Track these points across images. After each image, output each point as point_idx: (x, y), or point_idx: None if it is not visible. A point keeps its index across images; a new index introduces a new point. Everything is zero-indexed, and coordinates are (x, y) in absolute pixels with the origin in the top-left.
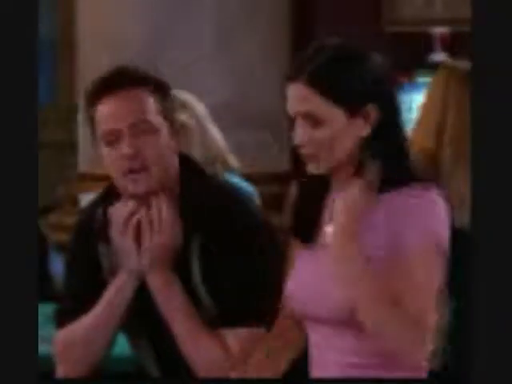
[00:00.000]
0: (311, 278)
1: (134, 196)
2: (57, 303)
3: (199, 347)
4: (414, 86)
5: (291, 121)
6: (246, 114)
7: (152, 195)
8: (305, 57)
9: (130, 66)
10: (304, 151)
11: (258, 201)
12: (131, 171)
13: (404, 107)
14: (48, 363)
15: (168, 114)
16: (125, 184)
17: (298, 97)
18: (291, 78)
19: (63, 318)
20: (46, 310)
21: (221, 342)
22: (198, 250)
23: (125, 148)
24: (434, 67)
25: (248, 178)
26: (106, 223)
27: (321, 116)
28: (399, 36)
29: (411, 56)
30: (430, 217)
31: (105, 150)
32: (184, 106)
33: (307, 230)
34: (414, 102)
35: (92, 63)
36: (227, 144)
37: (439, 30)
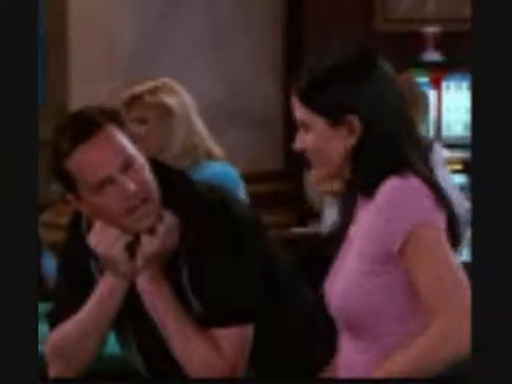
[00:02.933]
0: (331, 282)
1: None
2: (50, 303)
3: (191, 348)
4: None
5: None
6: (239, 113)
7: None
8: (304, 69)
9: (86, 110)
10: (307, 156)
11: (243, 192)
12: (136, 208)
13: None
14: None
15: (135, 139)
16: (129, 223)
17: (295, 107)
18: (292, 89)
19: (55, 320)
20: (39, 310)
21: (212, 342)
22: (185, 252)
23: (127, 184)
24: (426, 66)
25: (242, 176)
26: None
27: (308, 123)
28: (391, 35)
29: (403, 55)
30: (412, 205)
31: (95, 198)
32: (173, 91)
33: (341, 233)
34: None
35: (83, 62)
36: (221, 143)
37: (431, 29)
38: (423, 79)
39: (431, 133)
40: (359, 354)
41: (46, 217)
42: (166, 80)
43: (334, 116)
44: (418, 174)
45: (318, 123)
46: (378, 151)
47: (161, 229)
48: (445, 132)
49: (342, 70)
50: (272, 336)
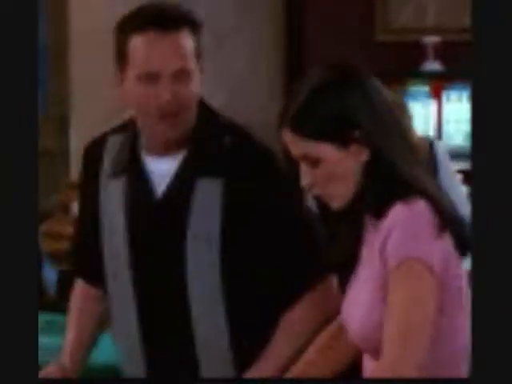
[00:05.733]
0: (349, 303)
1: (163, 143)
2: (51, 311)
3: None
4: (407, 95)
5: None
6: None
7: (176, 144)
8: (286, 102)
9: (174, 5)
10: (315, 192)
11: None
12: (169, 115)
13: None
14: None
15: (201, 53)
16: (158, 126)
17: (290, 142)
18: (280, 125)
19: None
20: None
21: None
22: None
23: (165, 93)
24: (426, 76)
25: None
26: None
27: (315, 156)
28: (392, 45)
29: (404, 65)
30: (409, 235)
31: (139, 87)
32: None
33: (352, 258)
34: None
35: (84, 75)
36: None
37: (431, 39)
38: (423, 89)
39: None
40: None
41: (45, 226)
42: None
43: (340, 136)
44: (423, 194)
45: (326, 150)
46: (390, 164)
47: None
48: (445, 142)
49: (328, 86)
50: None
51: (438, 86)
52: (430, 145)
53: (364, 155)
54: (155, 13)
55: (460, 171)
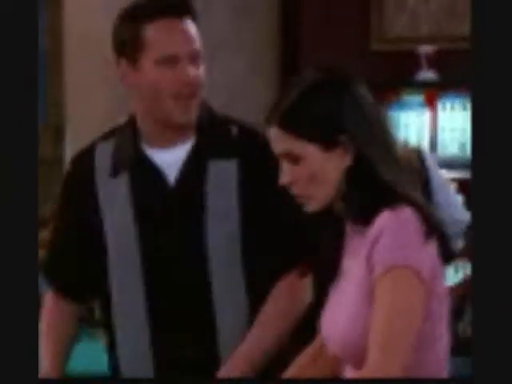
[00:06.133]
0: (330, 315)
1: (174, 130)
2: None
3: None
4: (401, 104)
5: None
6: None
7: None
8: (277, 99)
9: None
10: (293, 191)
11: None
12: (183, 97)
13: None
14: None
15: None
16: (173, 109)
17: (275, 139)
18: (268, 121)
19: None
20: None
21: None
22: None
23: (184, 74)
24: (420, 85)
25: None
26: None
27: (298, 154)
28: (386, 54)
29: (398, 74)
30: (397, 242)
31: (157, 71)
32: None
33: (331, 268)
34: (400, 120)
35: (79, 84)
36: None
37: (425, 49)
38: (418, 98)
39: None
40: None
41: (42, 235)
42: None
43: (326, 138)
44: (409, 202)
45: (310, 150)
46: (373, 172)
47: None
48: (440, 152)
49: (320, 88)
50: None
51: (433, 94)
52: (419, 155)
53: (347, 160)
54: (166, 2)
55: (455, 180)
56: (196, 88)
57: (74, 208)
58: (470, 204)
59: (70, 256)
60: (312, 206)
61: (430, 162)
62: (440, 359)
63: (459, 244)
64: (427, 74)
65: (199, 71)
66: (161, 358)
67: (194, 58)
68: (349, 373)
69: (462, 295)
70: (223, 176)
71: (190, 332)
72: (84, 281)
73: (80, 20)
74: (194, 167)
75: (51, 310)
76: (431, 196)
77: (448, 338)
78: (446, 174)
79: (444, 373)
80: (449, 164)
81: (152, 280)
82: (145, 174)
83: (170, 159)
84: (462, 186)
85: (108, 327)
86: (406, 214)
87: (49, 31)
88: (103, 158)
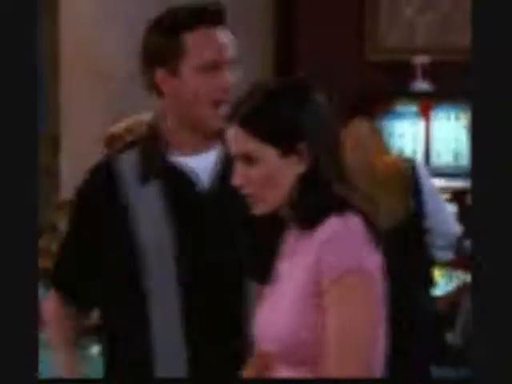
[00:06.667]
0: (267, 315)
1: (210, 132)
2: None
3: None
4: (396, 114)
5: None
6: None
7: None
8: (239, 99)
9: (214, 3)
10: (245, 191)
11: None
12: (221, 104)
13: (386, 134)
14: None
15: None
16: (211, 115)
17: (235, 138)
18: (229, 120)
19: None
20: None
21: None
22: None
23: (226, 80)
24: (415, 95)
25: None
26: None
27: (254, 155)
28: (382, 65)
29: (393, 84)
30: (348, 247)
31: (193, 77)
32: None
33: (266, 270)
34: (395, 130)
35: (75, 94)
36: None
37: (420, 60)
38: (412, 109)
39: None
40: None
41: (40, 243)
42: (141, 117)
43: (284, 143)
44: (357, 210)
45: (268, 154)
46: (325, 180)
47: None
48: (434, 161)
49: (284, 93)
50: None
51: (427, 105)
52: (412, 166)
53: (302, 167)
54: (203, 11)
55: (447, 189)
56: (229, 96)
57: (96, 217)
58: (462, 212)
59: (83, 263)
60: (261, 209)
61: (423, 172)
62: (378, 360)
63: (449, 255)
64: (422, 85)
65: (234, 77)
66: (194, 358)
67: (231, 65)
68: (284, 371)
69: (452, 304)
70: None
71: (224, 328)
72: (90, 285)
73: (75, 29)
74: (225, 172)
75: (58, 317)
76: (422, 205)
77: (384, 344)
78: (440, 183)
79: (378, 374)
80: (442, 173)
81: (188, 282)
82: (177, 180)
83: (201, 165)
84: (455, 195)
85: (108, 333)
86: (354, 220)
87: (46, 40)
88: (128, 167)
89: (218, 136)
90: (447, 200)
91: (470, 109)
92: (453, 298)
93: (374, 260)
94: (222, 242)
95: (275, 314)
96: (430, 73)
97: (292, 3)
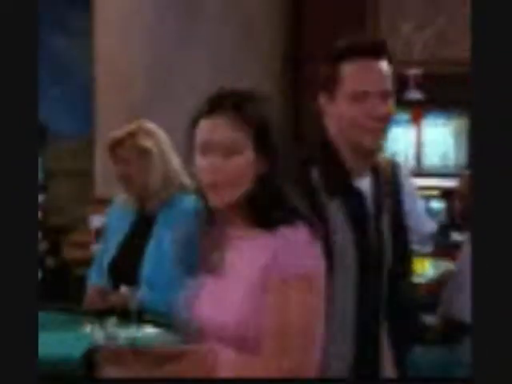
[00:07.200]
0: (212, 302)
1: (364, 151)
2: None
3: None
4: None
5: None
6: None
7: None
8: (228, 90)
9: (376, 39)
10: (212, 181)
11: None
12: (376, 130)
13: None
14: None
15: (392, 81)
16: (368, 138)
17: (223, 126)
18: (217, 106)
19: None
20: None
21: None
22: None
23: (379, 108)
24: (407, 104)
25: None
26: None
27: (236, 147)
28: None
29: None
30: (296, 253)
31: (349, 105)
32: (150, 133)
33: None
34: (389, 135)
35: (106, 101)
36: None
37: (413, 71)
38: (405, 116)
39: (413, 163)
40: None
41: (73, 237)
42: (143, 122)
43: (264, 141)
44: (307, 221)
45: (248, 148)
46: (278, 188)
47: None
48: (424, 162)
49: (258, 97)
50: None
51: (418, 112)
52: (392, 165)
53: (262, 168)
54: (365, 44)
55: (436, 187)
56: (384, 123)
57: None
58: (449, 207)
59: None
60: (216, 202)
61: (403, 172)
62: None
63: (429, 248)
64: (414, 94)
65: (388, 108)
66: (358, 358)
67: (384, 96)
68: (227, 355)
69: (435, 290)
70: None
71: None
72: None
73: (108, 45)
74: (377, 192)
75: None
76: (401, 204)
77: (323, 341)
78: (429, 182)
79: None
80: (432, 173)
81: (363, 277)
82: (352, 200)
83: (363, 187)
84: (443, 192)
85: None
86: (304, 230)
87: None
88: (318, 179)
89: (375, 156)
90: (435, 197)
91: (460, 116)
92: (436, 285)
93: (320, 267)
94: (382, 244)
95: (225, 302)
96: (421, 83)
97: (296, 25)
